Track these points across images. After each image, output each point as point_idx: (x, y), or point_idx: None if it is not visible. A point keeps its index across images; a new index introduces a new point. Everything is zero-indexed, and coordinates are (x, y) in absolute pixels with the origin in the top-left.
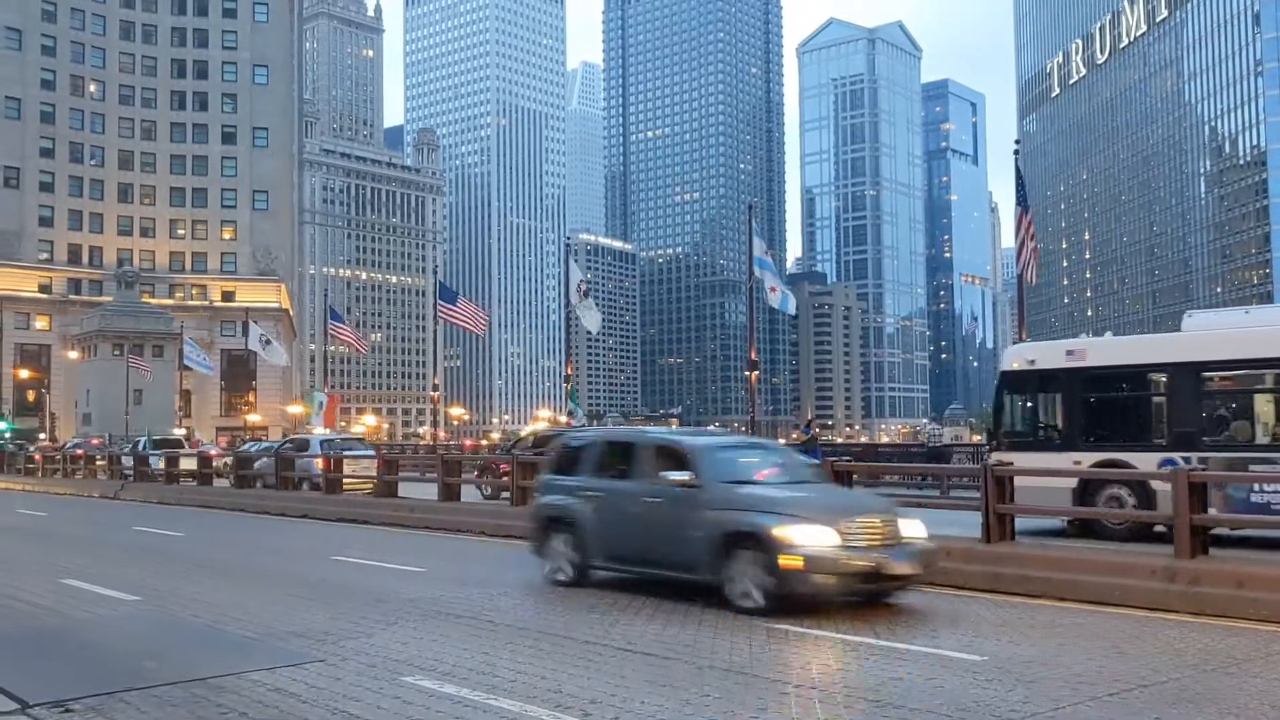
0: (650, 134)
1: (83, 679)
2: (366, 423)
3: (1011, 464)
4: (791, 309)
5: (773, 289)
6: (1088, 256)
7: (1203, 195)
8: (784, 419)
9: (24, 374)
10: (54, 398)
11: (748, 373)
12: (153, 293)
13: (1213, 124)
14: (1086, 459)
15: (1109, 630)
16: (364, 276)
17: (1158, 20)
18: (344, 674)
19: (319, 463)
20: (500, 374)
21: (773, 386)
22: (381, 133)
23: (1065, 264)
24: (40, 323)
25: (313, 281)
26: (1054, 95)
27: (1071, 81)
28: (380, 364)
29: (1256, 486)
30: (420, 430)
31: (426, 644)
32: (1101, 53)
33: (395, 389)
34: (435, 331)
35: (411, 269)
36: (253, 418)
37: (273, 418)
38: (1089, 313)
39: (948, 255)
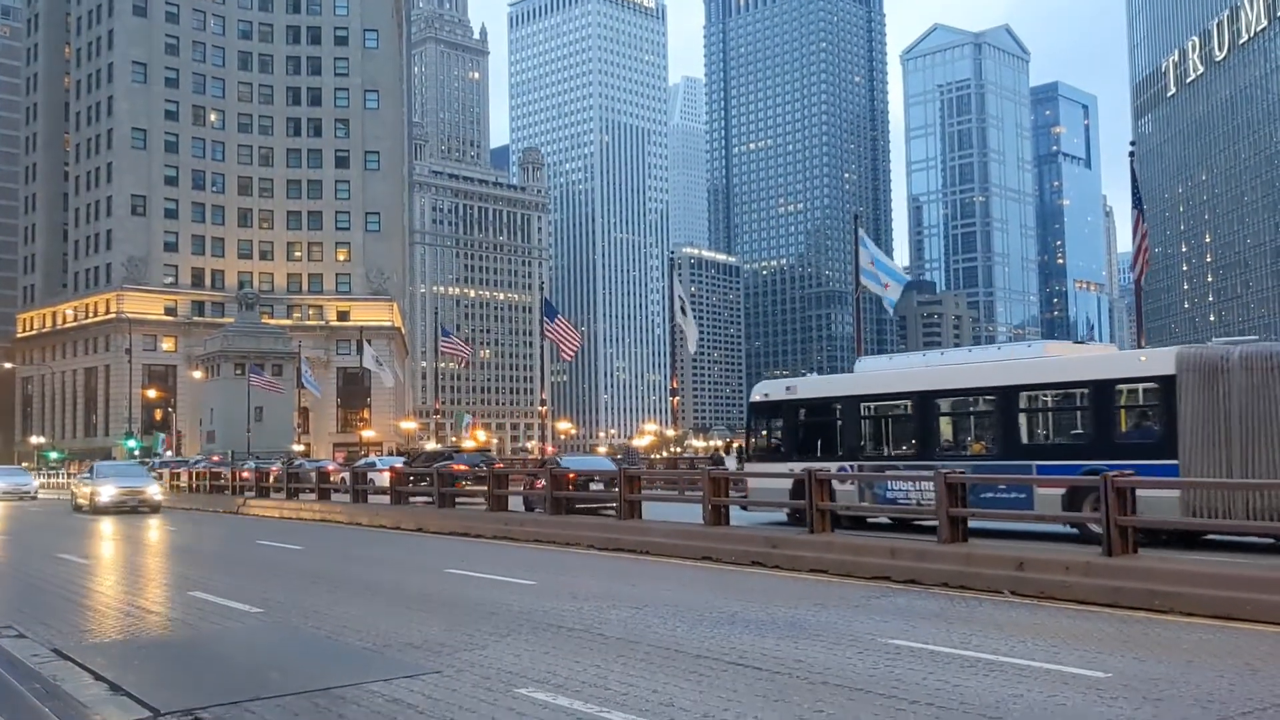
0: (753, 146)
1: (210, 688)
2: (477, 438)
3: (743, 471)
4: (890, 306)
5: (887, 285)
6: (1209, 260)
7: None
8: None
9: (151, 394)
10: (179, 416)
11: None
12: (271, 313)
13: None
14: (798, 467)
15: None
16: (472, 294)
17: (1279, 14)
18: (460, 685)
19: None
20: (606, 388)
21: None
22: (488, 153)
23: (1185, 268)
24: (166, 344)
25: (423, 300)
26: (1170, 95)
27: (1189, 80)
28: (489, 380)
29: (889, 485)
30: (529, 445)
31: (539, 656)
32: (1220, 50)
33: (504, 404)
34: (543, 347)
35: (519, 286)
36: (368, 434)
37: (387, 433)
38: (1211, 318)
39: (1061, 261)
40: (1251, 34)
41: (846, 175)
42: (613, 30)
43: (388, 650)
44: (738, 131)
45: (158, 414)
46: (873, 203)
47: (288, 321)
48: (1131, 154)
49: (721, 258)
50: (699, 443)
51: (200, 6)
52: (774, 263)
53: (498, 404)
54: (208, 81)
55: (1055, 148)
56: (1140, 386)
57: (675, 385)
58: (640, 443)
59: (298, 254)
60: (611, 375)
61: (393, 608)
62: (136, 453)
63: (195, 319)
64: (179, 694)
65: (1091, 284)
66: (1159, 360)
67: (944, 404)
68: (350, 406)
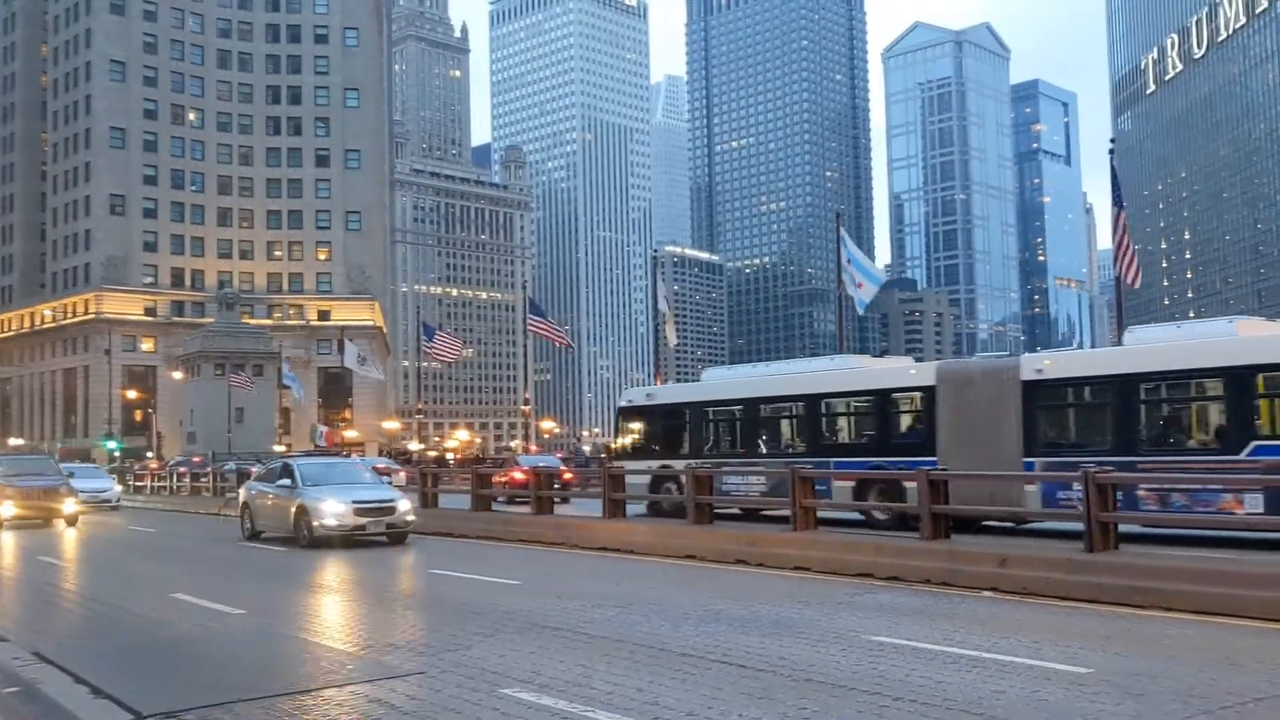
0: (735, 144)
1: (193, 690)
2: (459, 437)
3: (622, 466)
4: (861, 307)
5: (860, 284)
6: (1189, 256)
7: None
8: None
9: (131, 394)
10: (160, 417)
11: None
12: (252, 313)
13: None
14: (655, 465)
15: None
16: (455, 293)
17: (1257, 12)
18: (444, 686)
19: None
20: (590, 387)
21: None
22: (469, 151)
23: (1165, 265)
24: (146, 344)
25: (405, 299)
26: (1149, 92)
27: (1167, 77)
28: (472, 379)
29: (728, 479)
30: (512, 444)
31: (524, 656)
32: (1198, 47)
33: (487, 403)
34: (526, 346)
35: (501, 285)
36: (350, 434)
37: (369, 434)
38: (1191, 314)
39: (1041, 259)
40: (1230, 31)
41: (828, 173)
42: (594, 28)
43: (371, 651)
44: (720, 129)
45: (138, 415)
46: (854, 200)
47: (268, 321)
48: (1111, 151)
49: (704, 256)
50: None
51: (178, 5)
52: (757, 261)
53: (481, 403)
54: (186, 80)
55: (1036, 145)
56: (911, 395)
57: (660, 384)
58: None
59: (278, 253)
60: (595, 374)
61: (377, 608)
62: (117, 454)
63: (175, 319)
64: (161, 696)
65: (1072, 281)
66: (924, 373)
67: (766, 409)
68: (332, 407)
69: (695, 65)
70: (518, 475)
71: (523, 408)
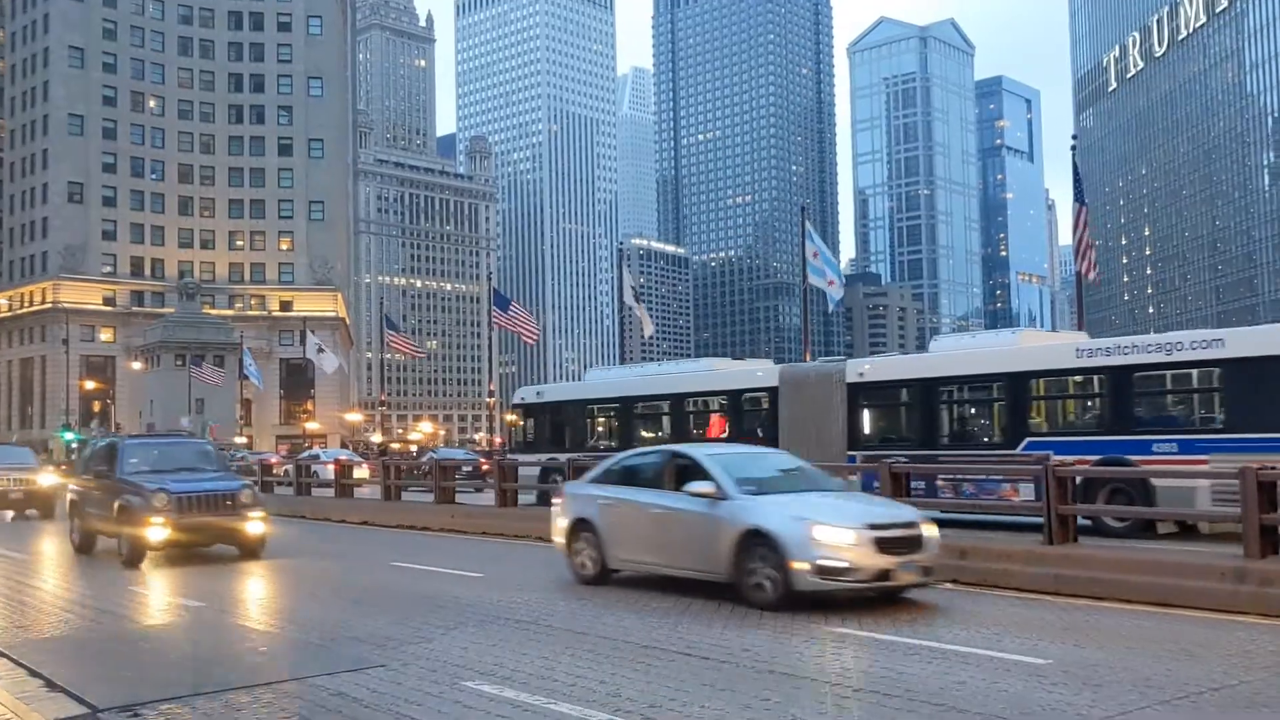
0: (702, 137)
1: (151, 684)
2: (423, 430)
3: (515, 459)
4: (833, 304)
5: (831, 282)
6: (1148, 253)
7: (1267, 188)
8: None
9: (90, 385)
10: (119, 408)
11: None
12: (213, 303)
13: (1276, 115)
14: (544, 457)
15: None
16: (419, 284)
17: (1217, 11)
18: (406, 678)
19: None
20: (555, 379)
21: None
22: (435, 141)
23: (1125, 260)
24: (105, 334)
25: (368, 290)
26: (1111, 90)
27: (1129, 75)
28: (436, 371)
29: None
30: (477, 436)
31: (486, 649)
32: (1160, 45)
33: (451, 396)
34: (491, 338)
35: (466, 276)
36: (311, 426)
37: (331, 425)
38: (1150, 310)
39: (1004, 254)
40: (1191, 30)
41: (794, 167)
42: (561, 19)
43: (333, 644)
44: (686, 123)
45: (96, 405)
46: (820, 195)
47: (229, 312)
48: (1073, 148)
49: (671, 249)
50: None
51: None
52: (723, 254)
53: (445, 395)
54: (147, 67)
55: (999, 141)
56: (758, 394)
57: None
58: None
59: (240, 243)
60: (561, 366)
61: (338, 601)
62: (75, 446)
63: (135, 309)
64: (118, 689)
65: (1034, 276)
66: (770, 375)
67: (640, 407)
68: (294, 398)
69: (662, 58)
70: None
71: (487, 400)
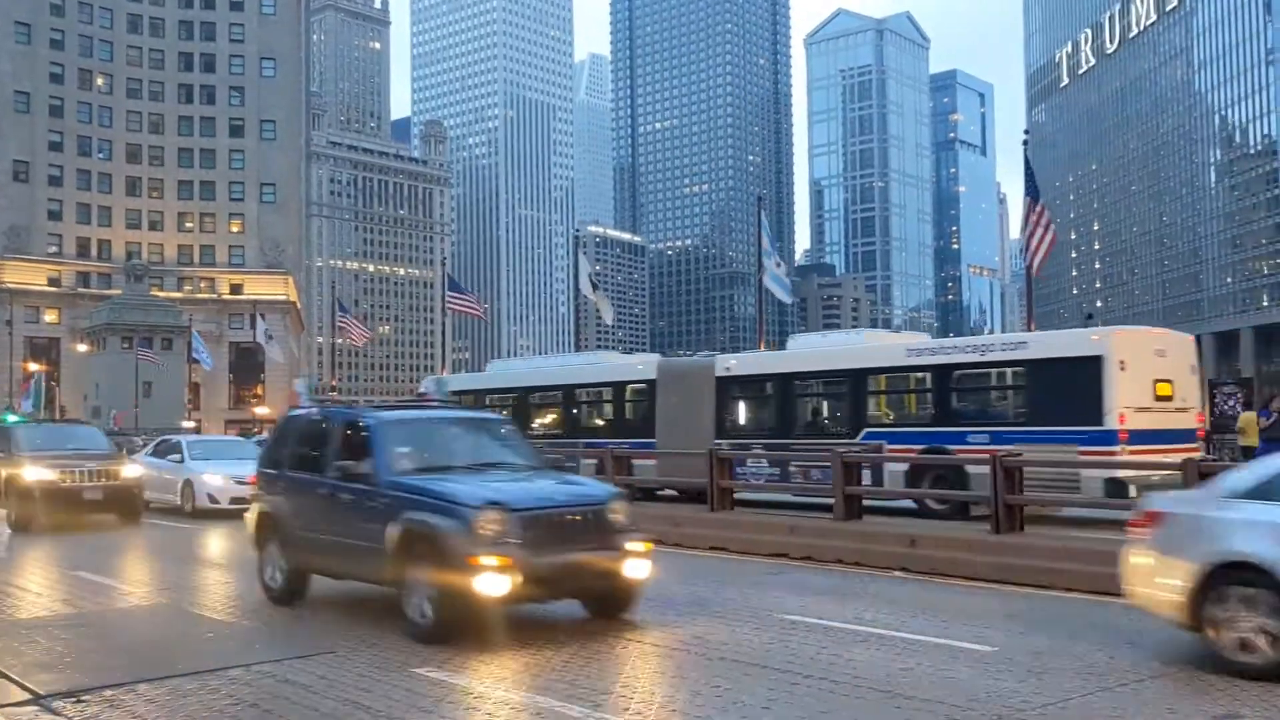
0: (658, 125)
1: (95, 670)
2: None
3: None
4: (785, 298)
5: (779, 264)
6: (1097, 247)
7: (1213, 185)
8: None
9: (34, 367)
10: (64, 391)
11: None
12: (161, 286)
13: (1223, 113)
14: None
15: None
16: (371, 269)
17: (1168, 9)
18: (354, 665)
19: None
20: None
21: None
22: (389, 125)
23: (1074, 255)
24: (50, 316)
25: (320, 274)
26: (1063, 85)
27: (1081, 71)
28: (389, 357)
29: None
30: None
31: None
32: (1111, 42)
33: (404, 381)
34: (444, 324)
35: (420, 261)
36: (261, 410)
37: (281, 409)
38: (1099, 304)
39: (956, 247)
40: (1141, 28)
41: (750, 157)
42: (518, 3)
43: (280, 629)
44: (643, 111)
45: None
46: (776, 185)
47: (178, 294)
48: (1025, 143)
49: (627, 237)
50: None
51: None
52: (679, 243)
53: (398, 381)
54: (95, 44)
55: (953, 135)
56: (639, 386)
57: None
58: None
59: (189, 225)
60: (515, 353)
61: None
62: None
63: (81, 290)
64: (62, 676)
65: (985, 269)
66: (649, 368)
67: (534, 397)
68: (243, 382)
69: (619, 45)
70: None
71: None
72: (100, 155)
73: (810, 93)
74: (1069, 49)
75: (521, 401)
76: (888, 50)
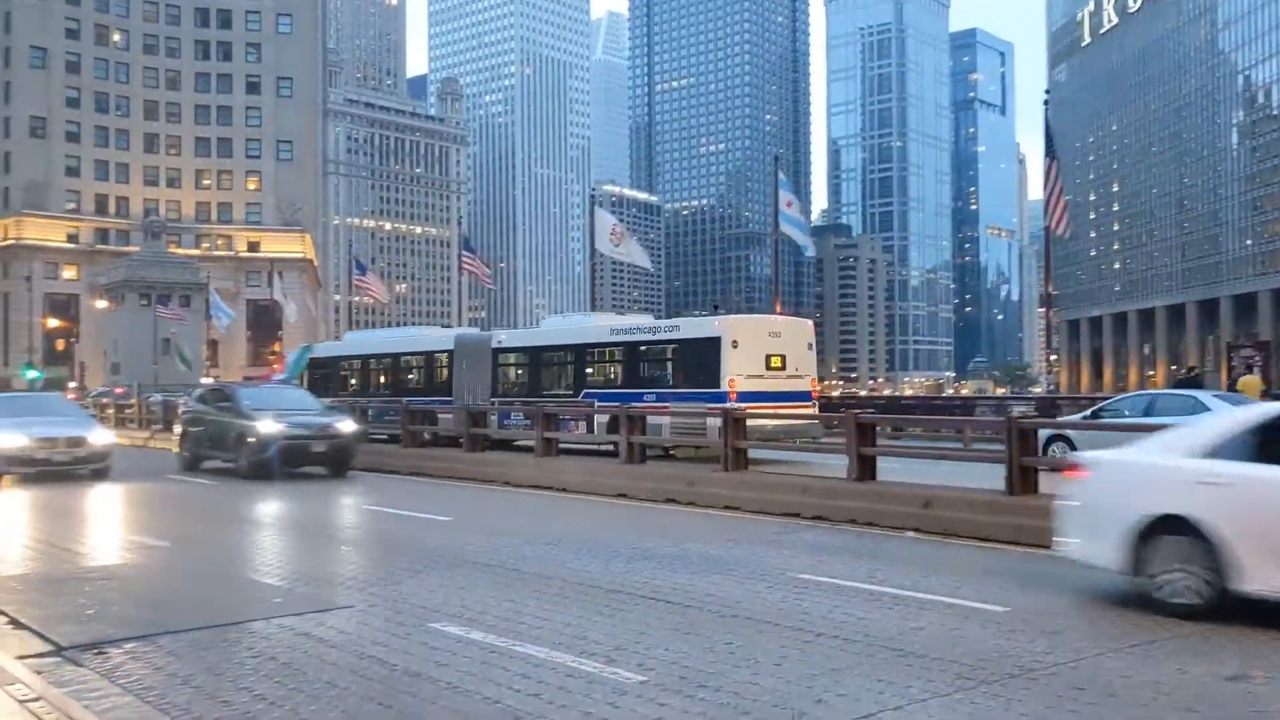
0: (675, 84)
1: (117, 622)
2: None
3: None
4: (810, 250)
5: (789, 203)
6: (1116, 209)
7: (1235, 147)
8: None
9: (53, 323)
10: (82, 347)
11: None
12: (179, 243)
13: (1247, 74)
14: (329, 401)
15: None
16: (388, 227)
17: None
18: (372, 620)
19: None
20: (525, 325)
21: None
22: (405, 83)
23: (1093, 216)
24: (68, 272)
25: (337, 232)
26: (1085, 45)
27: (1103, 31)
28: (404, 315)
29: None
30: None
31: (454, 591)
32: (1134, 1)
33: None
34: (460, 283)
35: (436, 219)
36: (278, 368)
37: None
38: (1116, 265)
39: (974, 207)
40: None
41: (768, 117)
42: None
43: (301, 585)
44: (660, 69)
45: (59, 344)
46: (793, 145)
47: (195, 251)
48: (1046, 103)
49: (643, 196)
50: None
51: None
52: (695, 203)
53: None
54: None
55: (972, 94)
56: (442, 355)
57: None
58: None
59: (206, 182)
60: (531, 313)
61: (307, 543)
62: (39, 383)
63: (99, 247)
64: (84, 627)
65: (1003, 230)
66: (449, 340)
67: (374, 363)
68: (261, 339)
69: (637, 2)
70: None
71: None
72: (118, 111)
73: (829, 51)
74: (1091, 7)
75: (364, 366)
76: (907, 8)
